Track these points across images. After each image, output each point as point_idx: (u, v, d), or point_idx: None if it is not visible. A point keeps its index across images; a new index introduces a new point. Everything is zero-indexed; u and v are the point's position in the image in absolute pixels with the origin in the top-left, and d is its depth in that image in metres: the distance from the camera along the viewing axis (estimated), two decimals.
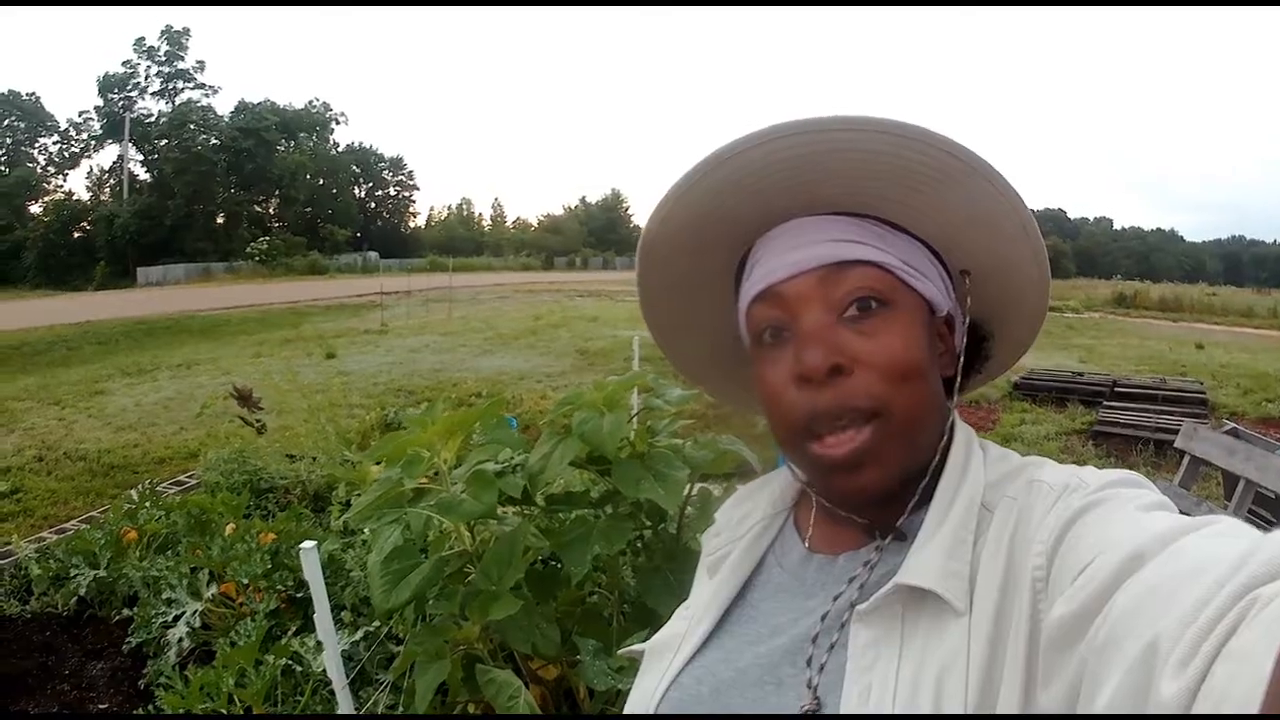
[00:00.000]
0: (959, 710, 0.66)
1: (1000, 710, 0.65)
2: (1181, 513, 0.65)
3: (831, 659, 0.76)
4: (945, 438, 0.84)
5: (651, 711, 0.85)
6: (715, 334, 0.98)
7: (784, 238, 0.84)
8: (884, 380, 0.78)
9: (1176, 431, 7.56)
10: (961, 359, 0.88)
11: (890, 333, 0.79)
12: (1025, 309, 0.92)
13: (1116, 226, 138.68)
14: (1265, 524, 3.84)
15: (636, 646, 0.99)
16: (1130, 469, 0.79)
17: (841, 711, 0.71)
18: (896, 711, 0.67)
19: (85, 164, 67.03)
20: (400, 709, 2.69)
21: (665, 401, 2.45)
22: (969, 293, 0.88)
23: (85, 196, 66.72)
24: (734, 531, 0.98)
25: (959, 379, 0.87)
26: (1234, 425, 6.21)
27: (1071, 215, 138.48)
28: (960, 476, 0.80)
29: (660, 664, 0.91)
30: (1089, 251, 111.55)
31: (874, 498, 0.80)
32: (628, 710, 0.91)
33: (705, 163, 0.79)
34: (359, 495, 2.74)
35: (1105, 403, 10.49)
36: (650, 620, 2.25)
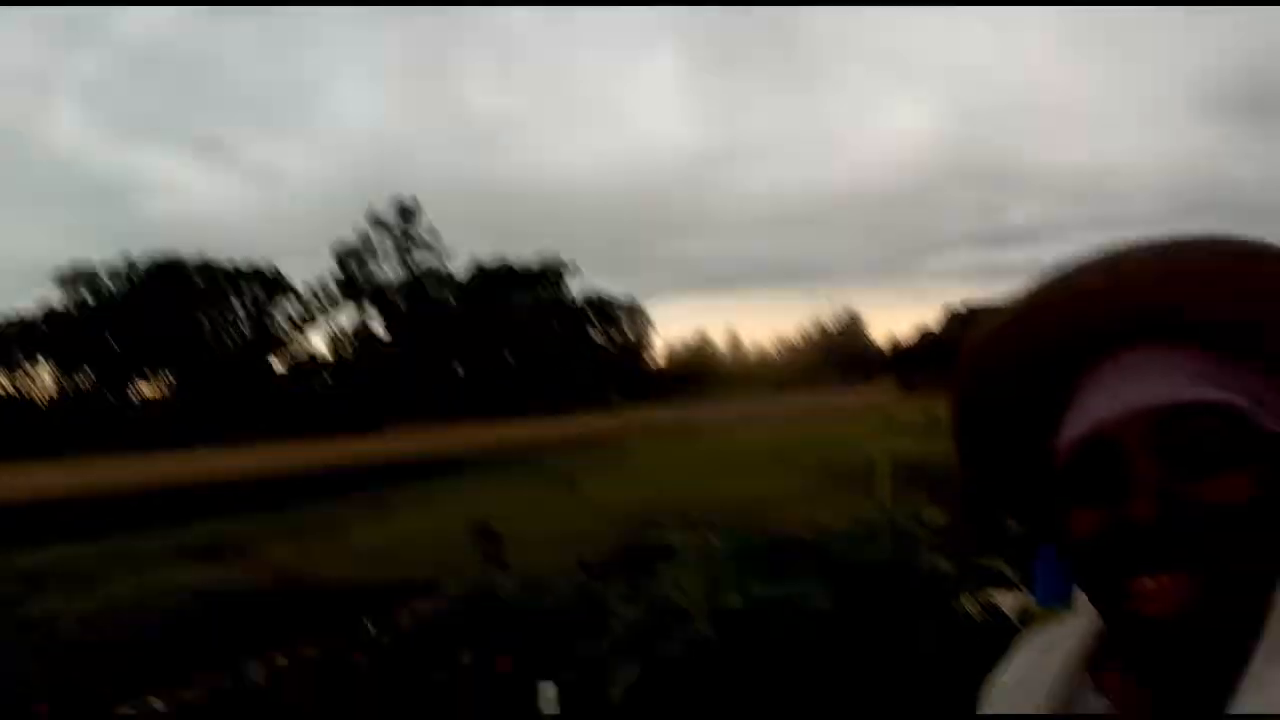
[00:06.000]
0: None
1: None
2: None
3: None
4: None
5: None
6: (1022, 456, 0.88)
7: (1121, 373, 0.75)
8: (1227, 531, 0.66)
9: None
10: None
11: (1234, 480, 0.67)
12: None
13: None
14: None
15: None
16: None
17: None
18: None
19: (324, 325, 73.78)
20: None
21: (918, 522, 2.31)
22: None
23: (326, 353, 73.52)
24: (1025, 691, 0.85)
25: None
26: None
27: None
28: None
29: None
30: None
31: (1194, 670, 0.68)
32: None
33: (1050, 280, 0.75)
34: (603, 626, 2.69)
35: None
36: None
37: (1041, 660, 0.87)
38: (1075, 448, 0.74)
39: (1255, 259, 0.69)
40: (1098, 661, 0.83)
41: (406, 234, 74.11)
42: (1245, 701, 0.63)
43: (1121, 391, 0.72)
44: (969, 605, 2.23)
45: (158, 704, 5.38)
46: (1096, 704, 0.79)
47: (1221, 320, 0.72)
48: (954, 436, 0.90)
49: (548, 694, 2.24)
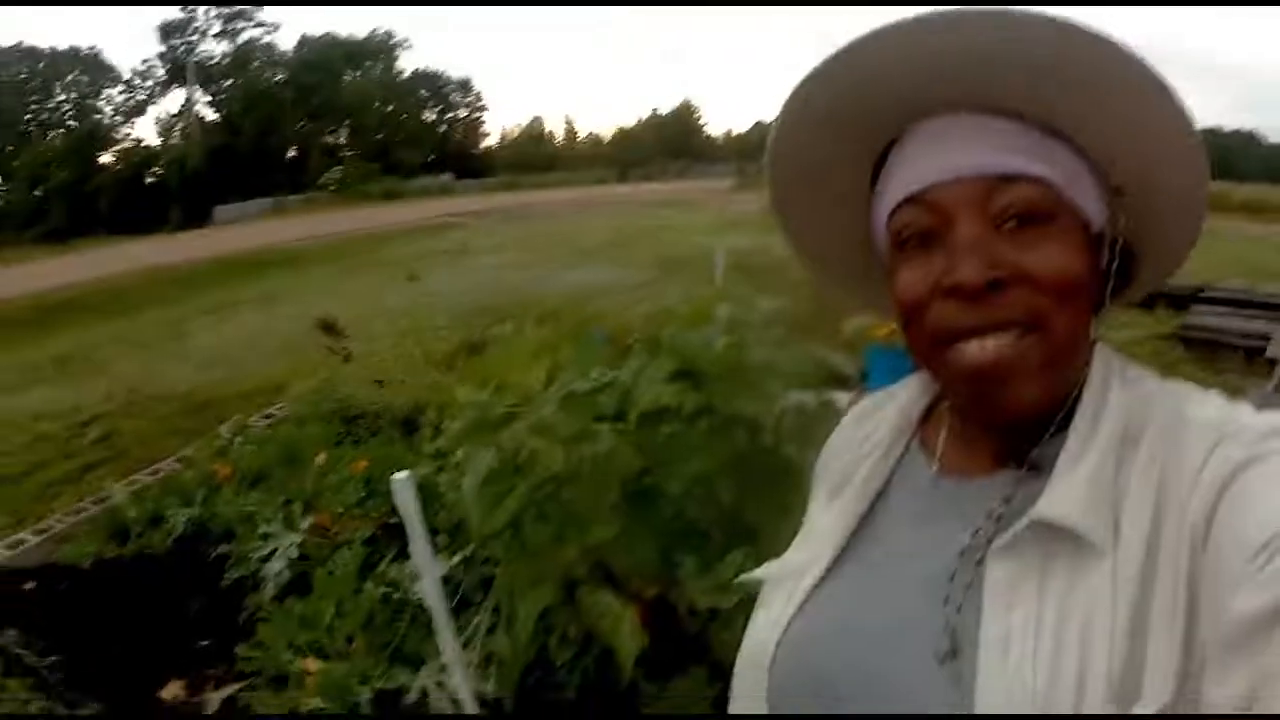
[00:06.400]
0: (1104, 661, 0.62)
1: (1149, 669, 0.62)
2: None
3: (968, 599, 0.72)
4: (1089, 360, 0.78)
5: (775, 644, 0.83)
6: (845, 229, 0.90)
7: (942, 138, 0.76)
8: (1044, 295, 0.72)
9: (1265, 337, 7.27)
10: (1110, 282, 0.79)
11: (1050, 248, 0.73)
12: (1178, 233, 0.84)
13: None
14: None
15: (755, 574, 0.94)
16: (1221, 375, 0.73)
17: (980, 656, 0.67)
18: (1040, 659, 0.64)
19: (152, 111, 66.96)
20: (501, 634, 2.70)
21: (755, 313, 2.37)
22: (1124, 212, 0.80)
23: (155, 142, 67.24)
24: (856, 451, 0.93)
25: (1106, 301, 0.80)
26: None
27: None
28: (1101, 401, 0.74)
29: (782, 594, 0.87)
30: None
31: (1018, 415, 0.74)
32: (748, 643, 0.88)
33: (859, 41, 0.73)
34: (450, 418, 2.72)
35: (1194, 307, 9.94)
36: (751, 536, 2.21)
37: (870, 422, 0.96)
38: (902, 208, 0.77)
39: (1109, 47, 0.69)
40: (923, 420, 0.92)
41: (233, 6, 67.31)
42: (1048, 505, 0.69)
43: (947, 157, 0.75)
44: (807, 398, 2.36)
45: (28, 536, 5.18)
46: (922, 460, 0.88)
47: (1050, 102, 0.74)
48: (775, 215, 0.92)
49: (405, 487, 2.25)
